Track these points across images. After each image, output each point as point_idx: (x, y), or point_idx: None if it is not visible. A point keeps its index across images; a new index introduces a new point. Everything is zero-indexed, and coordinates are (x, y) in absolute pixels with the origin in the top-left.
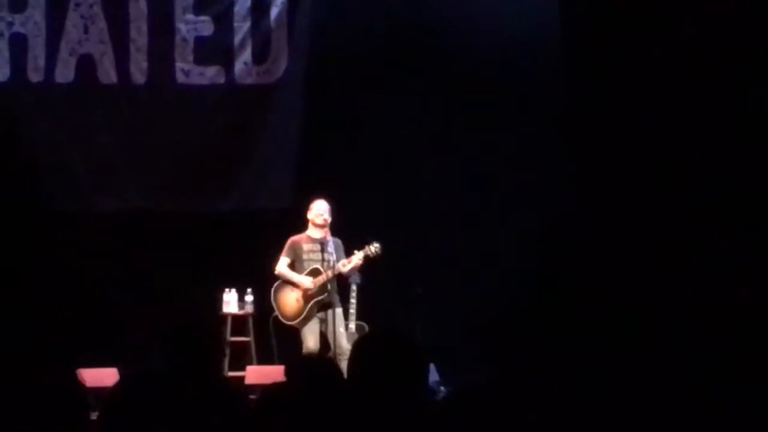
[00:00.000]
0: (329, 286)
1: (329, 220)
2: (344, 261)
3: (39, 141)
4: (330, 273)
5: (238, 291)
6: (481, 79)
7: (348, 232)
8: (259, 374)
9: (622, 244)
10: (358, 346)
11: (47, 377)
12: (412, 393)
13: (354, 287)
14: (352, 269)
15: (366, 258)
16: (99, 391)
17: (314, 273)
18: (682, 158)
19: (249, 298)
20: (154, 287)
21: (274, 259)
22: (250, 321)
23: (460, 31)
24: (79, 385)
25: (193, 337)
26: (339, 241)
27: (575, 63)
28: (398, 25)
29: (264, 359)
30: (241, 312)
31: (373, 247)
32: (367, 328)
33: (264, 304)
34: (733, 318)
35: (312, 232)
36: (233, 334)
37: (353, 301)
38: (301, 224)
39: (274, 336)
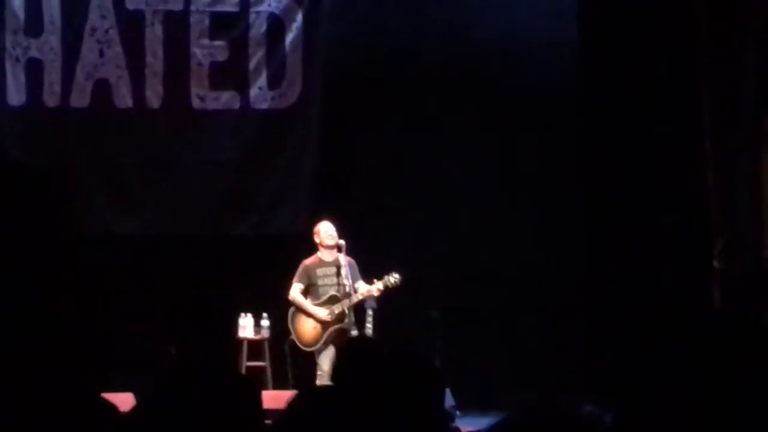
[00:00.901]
0: (347, 313)
1: (338, 240)
2: (363, 291)
3: (55, 166)
4: (348, 302)
5: (253, 316)
6: (501, 90)
7: (364, 254)
8: (275, 399)
9: (646, 248)
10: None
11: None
12: (429, 414)
13: (370, 311)
14: (369, 297)
15: (385, 288)
16: None
17: (332, 300)
18: (698, 156)
19: (265, 322)
20: (169, 312)
21: (289, 285)
22: (266, 346)
23: (477, 44)
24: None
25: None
26: (352, 261)
27: (592, 65)
28: (415, 45)
29: (280, 384)
30: (257, 337)
31: (393, 278)
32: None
33: (280, 329)
34: None
35: (323, 254)
36: (249, 358)
37: (369, 325)
38: (317, 249)
39: (289, 360)
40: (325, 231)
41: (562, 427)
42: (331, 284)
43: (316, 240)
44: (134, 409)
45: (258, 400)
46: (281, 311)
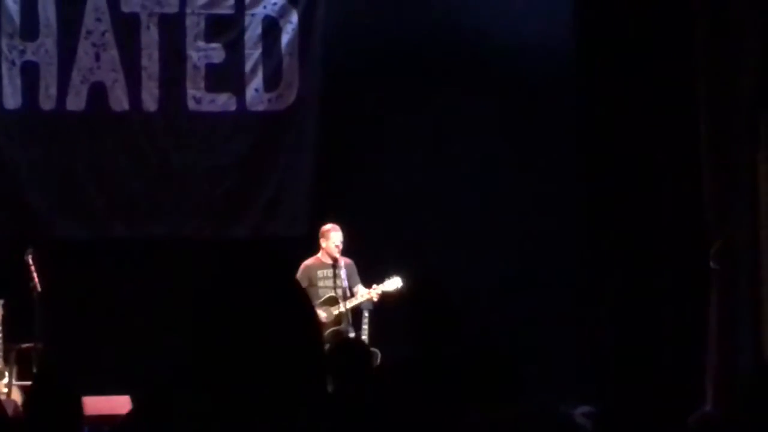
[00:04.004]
0: (345, 315)
1: (342, 246)
2: (362, 294)
3: (51, 169)
4: (348, 304)
5: None
6: (501, 86)
7: (364, 256)
8: None
9: (644, 249)
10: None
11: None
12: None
13: (366, 313)
14: (368, 301)
15: (385, 293)
16: (111, 419)
17: (330, 302)
18: (695, 156)
19: None
20: (165, 314)
21: None
22: None
23: (475, 39)
24: None
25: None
26: (351, 264)
27: (588, 64)
28: (412, 43)
29: None
30: None
31: (394, 283)
32: (379, 354)
33: None
34: None
35: (324, 256)
36: None
37: (365, 327)
38: (316, 250)
39: None
40: (334, 239)
41: (557, 424)
42: (329, 286)
43: (322, 243)
44: (130, 414)
45: None
46: None
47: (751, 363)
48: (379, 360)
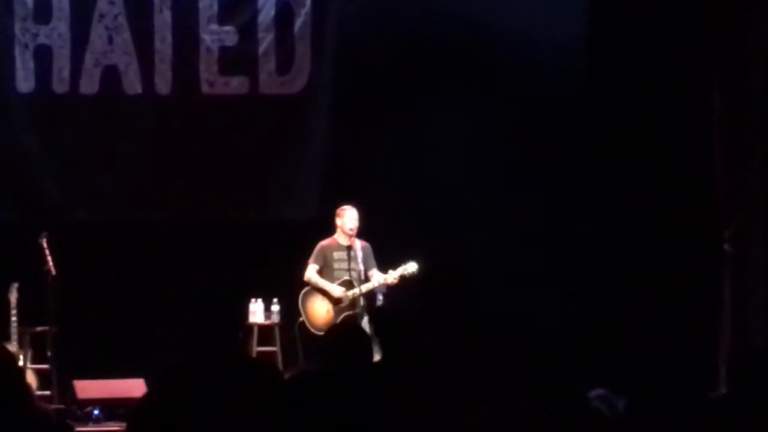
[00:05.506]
0: (361, 301)
1: (357, 227)
2: (377, 279)
3: (64, 152)
4: (363, 288)
5: (264, 301)
6: (512, 82)
7: (375, 240)
8: None
9: (657, 235)
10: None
11: None
12: None
13: (380, 297)
14: (382, 285)
15: (401, 278)
16: (125, 402)
17: (345, 285)
18: (708, 142)
19: (275, 308)
20: (180, 298)
21: (302, 268)
22: (277, 331)
23: (488, 36)
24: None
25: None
26: (368, 246)
27: (601, 62)
28: (425, 33)
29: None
30: (268, 322)
31: (410, 268)
32: None
33: (290, 314)
34: None
35: (340, 238)
36: (260, 344)
37: None
38: (326, 234)
39: (300, 342)
40: (350, 218)
41: (574, 408)
42: (344, 268)
43: (338, 222)
44: (146, 396)
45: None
46: (291, 296)
47: (764, 344)
48: None
